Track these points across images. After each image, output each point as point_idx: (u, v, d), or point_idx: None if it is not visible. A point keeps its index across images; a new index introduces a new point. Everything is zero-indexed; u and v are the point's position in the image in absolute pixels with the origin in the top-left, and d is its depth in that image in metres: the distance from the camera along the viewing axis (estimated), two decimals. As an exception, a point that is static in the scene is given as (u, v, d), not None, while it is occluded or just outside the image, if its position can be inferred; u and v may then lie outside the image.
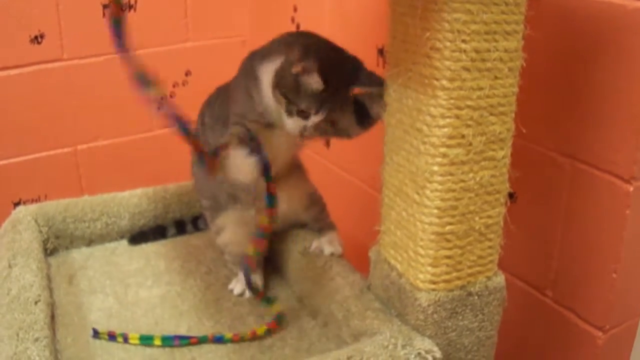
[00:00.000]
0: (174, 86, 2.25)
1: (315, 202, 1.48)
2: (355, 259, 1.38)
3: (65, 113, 2.11)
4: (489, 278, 1.16)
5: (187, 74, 2.26)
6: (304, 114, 1.19)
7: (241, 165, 1.16)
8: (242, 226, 1.43)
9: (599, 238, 1.30)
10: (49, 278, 1.47)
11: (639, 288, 1.34)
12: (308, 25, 1.97)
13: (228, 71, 2.32)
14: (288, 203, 1.44)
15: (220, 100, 1.37)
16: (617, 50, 1.20)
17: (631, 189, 1.23)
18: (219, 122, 1.32)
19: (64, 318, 1.37)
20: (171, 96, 2.26)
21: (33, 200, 2.13)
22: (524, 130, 1.09)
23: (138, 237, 1.66)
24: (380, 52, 1.60)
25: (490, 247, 1.14)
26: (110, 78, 2.13)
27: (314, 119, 1.19)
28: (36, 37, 2.00)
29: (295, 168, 1.47)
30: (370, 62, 1.62)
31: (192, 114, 2.28)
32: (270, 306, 1.37)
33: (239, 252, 1.44)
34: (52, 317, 1.33)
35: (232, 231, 1.44)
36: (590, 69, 1.25)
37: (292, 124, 1.20)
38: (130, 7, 2.10)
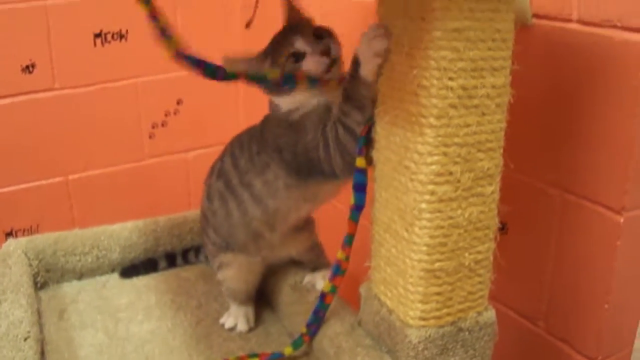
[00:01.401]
0: (166, 115, 2.25)
1: (315, 247, 1.50)
2: (349, 291, 1.38)
3: (57, 142, 2.11)
4: (479, 313, 1.15)
5: (179, 102, 2.26)
6: (298, 55, 1.19)
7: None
8: (245, 269, 1.43)
9: (590, 269, 1.30)
10: (39, 313, 1.46)
11: (630, 319, 1.34)
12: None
13: (219, 100, 2.34)
14: (295, 251, 1.48)
15: (257, 145, 1.34)
16: (605, 82, 1.20)
17: (622, 220, 1.22)
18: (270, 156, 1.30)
19: (54, 354, 1.36)
20: (163, 125, 2.26)
21: (25, 230, 2.12)
22: (512, 166, 1.09)
23: (129, 270, 1.66)
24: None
25: (480, 283, 1.13)
26: (101, 107, 2.14)
27: (300, 42, 1.18)
28: (27, 67, 2.00)
29: (309, 221, 1.48)
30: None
31: (184, 141, 2.30)
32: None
33: (237, 288, 1.45)
34: (42, 353, 1.33)
35: (236, 270, 1.43)
36: (579, 101, 1.25)
37: (311, 64, 1.19)
38: (122, 36, 2.11)
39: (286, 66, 1.18)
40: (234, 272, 1.43)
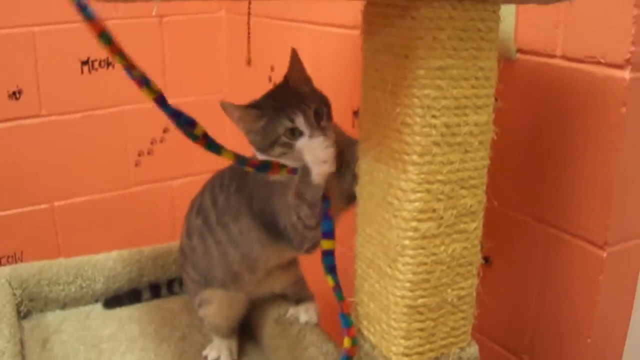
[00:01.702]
0: (152, 143, 2.25)
1: (299, 281, 1.49)
2: (333, 325, 1.37)
3: (43, 169, 2.10)
4: (462, 349, 1.15)
5: (165, 131, 2.25)
6: (296, 131, 1.16)
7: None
8: (227, 305, 1.42)
9: (573, 303, 1.30)
10: (22, 343, 1.45)
11: (613, 353, 1.34)
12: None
13: (206, 129, 2.34)
14: (278, 288, 1.48)
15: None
16: (587, 118, 1.21)
17: (604, 254, 1.23)
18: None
19: (36, 386, 1.35)
20: (149, 153, 2.26)
21: (9, 257, 2.11)
22: (495, 203, 1.09)
23: (112, 301, 1.65)
24: (356, 114, 1.61)
25: (463, 319, 1.13)
26: (88, 135, 2.14)
27: (301, 121, 1.16)
28: (14, 93, 2.00)
29: (293, 259, 1.48)
30: (346, 123, 1.63)
31: (170, 170, 2.30)
32: None
33: (220, 324, 1.44)
34: (24, 385, 1.32)
35: (217, 306, 1.42)
36: (562, 136, 1.26)
37: (308, 147, 1.16)
38: (109, 64, 2.11)
39: (281, 138, 1.17)
40: (215, 309, 1.42)
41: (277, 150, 1.17)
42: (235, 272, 1.35)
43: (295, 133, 1.16)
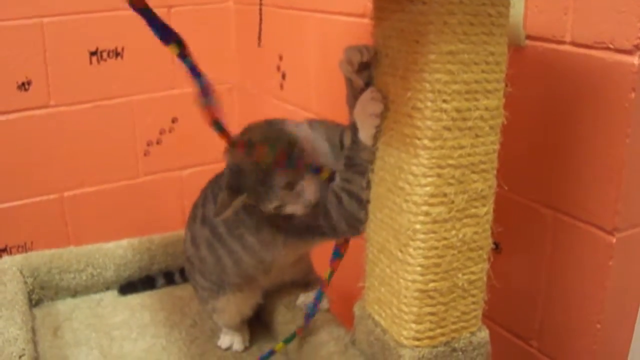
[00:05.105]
0: (160, 133, 2.26)
1: (306, 267, 1.50)
2: (343, 310, 1.38)
3: (52, 160, 2.11)
4: (472, 333, 1.15)
5: (174, 121, 2.26)
6: (294, 180, 1.17)
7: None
8: (242, 306, 1.42)
9: (582, 289, 1.31)
10: (33, 330, 1.46)
11: (622, 339, 1.34)
12: (293, 73, 1.98)
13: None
14: (289, 278, 1.48)
15: None
16: (596, 103, 1.21)
17: (614, 240, 1.23)
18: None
19: (48, 372, 1.36)
20: (158, 143, 2.27)
21: (19, 247, 2.12)
22: (506, 187, 1.09)
23: (128, 287, 1.66)
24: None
25: (473, 303, 1.14)
26: (96, 125, 2.15)
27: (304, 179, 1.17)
28: (23, 84, 2.01)
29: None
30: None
31: (179, 159, 2.31)
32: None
33: (234, 323, 1.44)
34: (37, 371, 1.33)
35: (232, 311, 1.41)
36: (571, 121, 1.26)
37: (299, 200, 1.18)
38: (118, 54, 2.12)
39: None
40: (230, 314, 1.42)
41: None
42: (250, 276, 1.35)
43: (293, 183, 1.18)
